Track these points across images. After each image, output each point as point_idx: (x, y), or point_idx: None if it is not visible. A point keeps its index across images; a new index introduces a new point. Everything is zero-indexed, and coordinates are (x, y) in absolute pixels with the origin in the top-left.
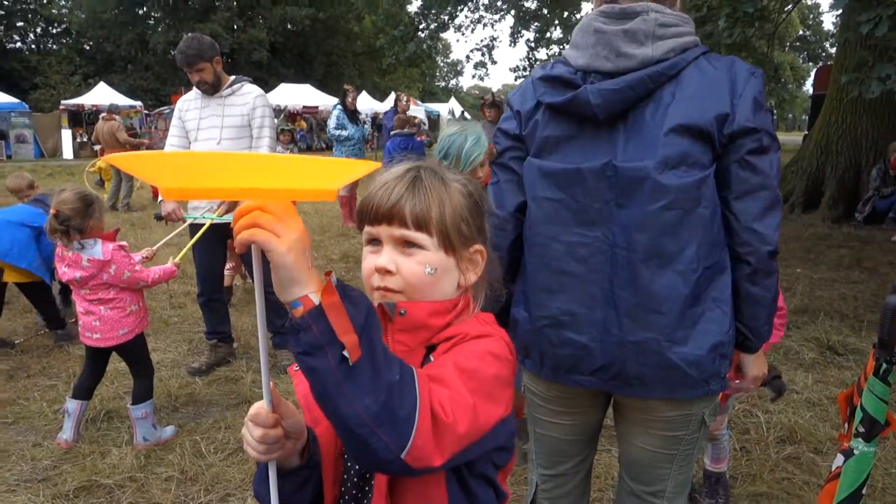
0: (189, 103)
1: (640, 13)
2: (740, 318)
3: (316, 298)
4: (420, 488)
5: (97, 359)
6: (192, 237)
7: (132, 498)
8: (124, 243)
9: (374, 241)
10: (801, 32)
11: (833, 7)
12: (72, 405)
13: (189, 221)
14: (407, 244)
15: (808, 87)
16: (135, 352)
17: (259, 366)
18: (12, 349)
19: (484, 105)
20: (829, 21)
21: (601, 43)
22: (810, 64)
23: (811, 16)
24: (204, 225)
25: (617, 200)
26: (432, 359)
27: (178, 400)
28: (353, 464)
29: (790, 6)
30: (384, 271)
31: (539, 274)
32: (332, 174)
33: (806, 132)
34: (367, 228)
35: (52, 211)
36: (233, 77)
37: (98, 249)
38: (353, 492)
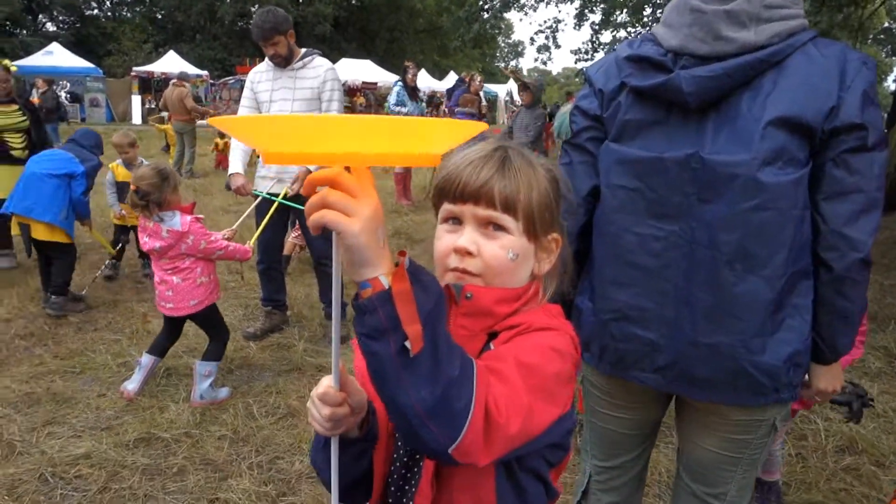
0: (261, 75)
1: None
2: (817, 327)
3: (386, 282)
4: (468, 476)
5: (173, 324)
6: (259, 212)
7: (187, 452)
8: (201, 216)
9: (454, 220)
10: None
11: None
12: (145, 359)
13: (258, 197)
14: (491, 226)
15: (891, 82)
16: (208, 320)
17: (311, 335)
18: (83, 302)
19: (519, 88)
20: None
21: (698, 23)
22: (894, 58)
23: None
24: (272, 201)
25: (700, 195)
26: (492, 347)
27: (232, 363)
28: (403, 444)
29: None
30: (465, 252)
31: (608, 265)
32: (437, 137)
33: (886, 130)
34: (447, 206)
35: (131, 187)
36: (304, 50)
37: (177, 221)
38: (403, 471)
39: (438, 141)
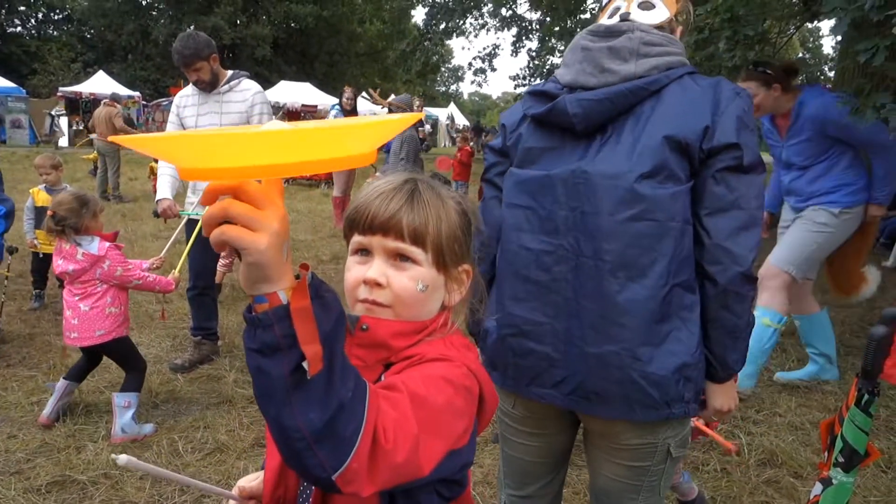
0: (186, 99)
1: (625, 32)
2: (707, 343)
3: (285, 297)
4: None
5: (89, 354)
6: (187, 233)
7: (105, 495)
8: (121, 244)
9: (363, 252)
10: (800, 55)
11: (833, 32)
12: (60, 384)
13: (185, 218)
14: (400, 258)
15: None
16: (118, 353)
17: (243, 365)
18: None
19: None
20: (828, 45)
21: (587, 59)
22: None
23: (811, 39)
24: (198, 222)
25: (584, 207)
26: (383, 378)
27: (158, 396)
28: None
29: (792, 30)
30: (374, 283)
31: (506, 282)
32: (365, 136)
33: None
34: (357, 238)
35: (48, 212)
36: (230, 72)
37: (94, 245)
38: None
39: (365, 140)
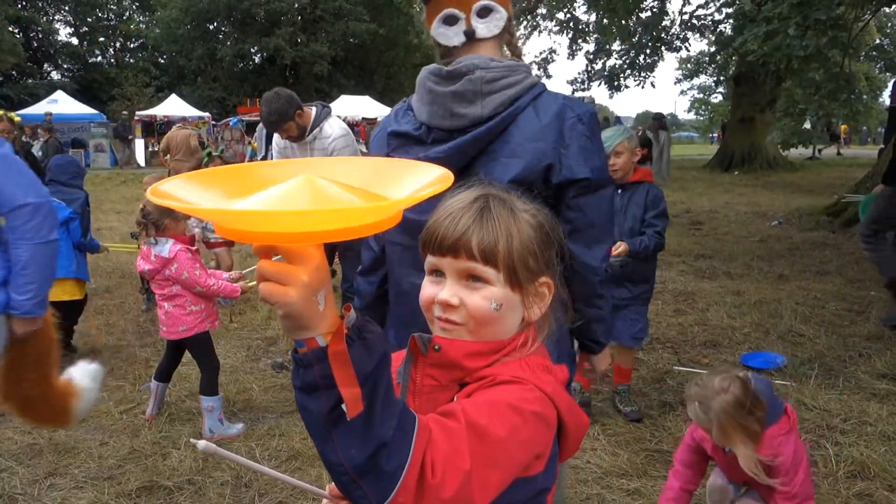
0: (284, 150)
1: (465, 74)
2: (584, 332)
3: (323, 341)
4: None
5: (171, 348)
6: None
7: (190, 500)
8: (195, 248)
9: (437, 273)
10: (877, 41)
11: None
12: (152, 385)
13: None
14: (472, 278)
15: (885, 98)
16: (196, 348)
17: None
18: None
19: None
20: None
21: (436, 102)
22: (887, 74)
23: (889, 24)
24: None
25: None
26: (455, 400)
27: (234, 405)
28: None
29: (868, 14)
30: (447, 305)
31: (396, 307)
32: (391, 209)
33: (882, 146)
34: (429, 259)
35: (140, 205)
36: (314, 109)
37: (166, 248)
38: None
39: (390, 212)
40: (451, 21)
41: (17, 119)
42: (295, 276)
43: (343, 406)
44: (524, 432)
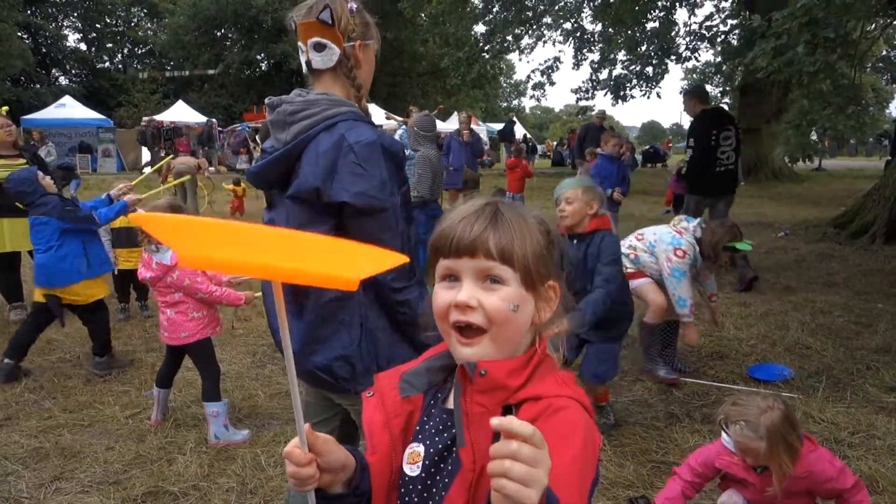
0: None
1: (278, 106)
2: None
3: None
4: None
5: (171, 354)
6: None
7: None
8: None
9: (451, 278)
10: (884, 52)
11: None
12: (155, 391)
13: None
14: (489, 279)
15: (892, 110)
16: (198, 354)
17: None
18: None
19: None
20: None
21: (271, 126)
22: (894, 86)
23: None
24: None
25: None
26: (514, 413)
27: (240, 412)
28: (409, 499)
29: (875, 29)
30: (465, 306)
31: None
32: (357, 261)
33: (889, 158)
34: (443, 262)
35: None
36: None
37: (167, 256)
38: None
39: (357, 265)
40: (300, 51)
41: (6, 109)
42: (539, 477)
43: None
44: (588, 454)
